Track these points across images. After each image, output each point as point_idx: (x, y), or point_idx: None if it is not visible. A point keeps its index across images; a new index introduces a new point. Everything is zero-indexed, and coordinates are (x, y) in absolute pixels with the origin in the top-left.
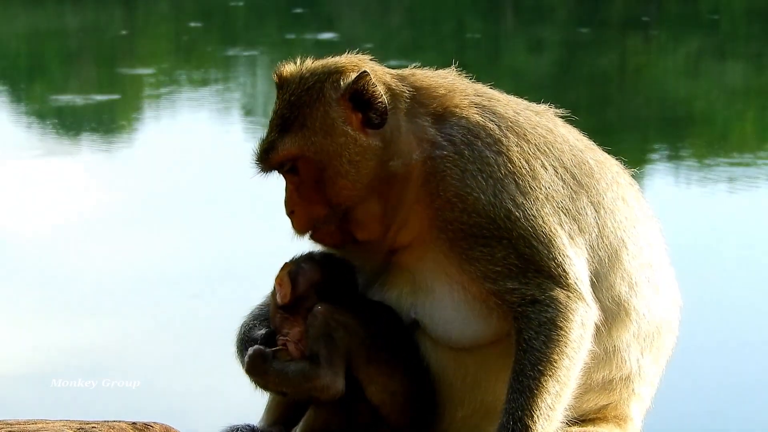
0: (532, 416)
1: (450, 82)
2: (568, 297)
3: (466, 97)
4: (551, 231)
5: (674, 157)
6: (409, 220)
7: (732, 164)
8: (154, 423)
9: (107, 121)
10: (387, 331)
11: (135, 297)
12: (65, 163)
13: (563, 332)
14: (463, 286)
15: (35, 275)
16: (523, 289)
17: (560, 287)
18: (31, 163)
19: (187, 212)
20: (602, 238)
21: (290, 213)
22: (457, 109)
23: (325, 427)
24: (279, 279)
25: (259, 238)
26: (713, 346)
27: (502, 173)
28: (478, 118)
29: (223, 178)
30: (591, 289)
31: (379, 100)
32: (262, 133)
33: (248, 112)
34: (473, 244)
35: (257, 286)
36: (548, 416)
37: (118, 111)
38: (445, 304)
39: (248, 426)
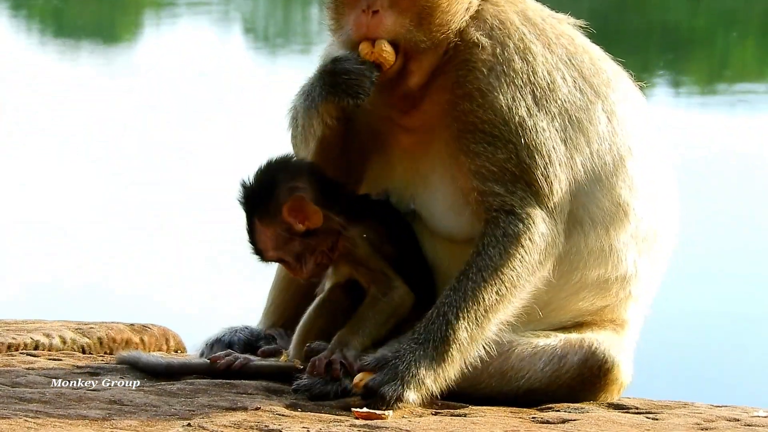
0: (458, 316)
1: None
2: (543, 220)
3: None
4: (554, 147)
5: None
6: (426, 100)
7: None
8: (152, 325)
9: (107, 28)
10: (394, 237)
11: (131, 207)
12: (66, 69)
13: (523, 250)
14: (453, 178)
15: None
16: (507, 197)
17: (540, 207)
18: (33, 68)
19: (184, 122)
20: (611, 145)
21: (372, 12)
22: (501, 8)
23: (324, 331)
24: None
25: (260, 148)
26: (713, 265)
27: (523, 81)
28: (516, 21)
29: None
30: (565, 217)
31: None
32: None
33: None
34: (480, 139)
35: None
36: (477, 322)
37: (118, 20)
38: (437, 195)
39: (247, 328)
